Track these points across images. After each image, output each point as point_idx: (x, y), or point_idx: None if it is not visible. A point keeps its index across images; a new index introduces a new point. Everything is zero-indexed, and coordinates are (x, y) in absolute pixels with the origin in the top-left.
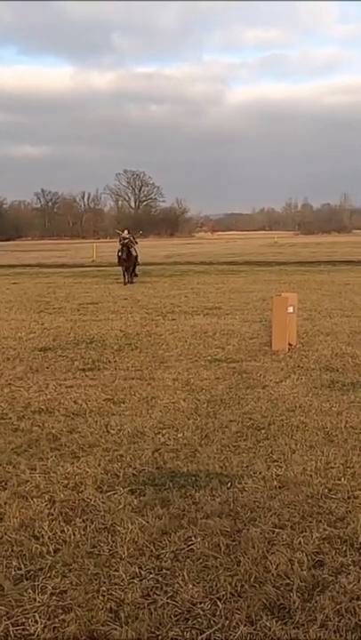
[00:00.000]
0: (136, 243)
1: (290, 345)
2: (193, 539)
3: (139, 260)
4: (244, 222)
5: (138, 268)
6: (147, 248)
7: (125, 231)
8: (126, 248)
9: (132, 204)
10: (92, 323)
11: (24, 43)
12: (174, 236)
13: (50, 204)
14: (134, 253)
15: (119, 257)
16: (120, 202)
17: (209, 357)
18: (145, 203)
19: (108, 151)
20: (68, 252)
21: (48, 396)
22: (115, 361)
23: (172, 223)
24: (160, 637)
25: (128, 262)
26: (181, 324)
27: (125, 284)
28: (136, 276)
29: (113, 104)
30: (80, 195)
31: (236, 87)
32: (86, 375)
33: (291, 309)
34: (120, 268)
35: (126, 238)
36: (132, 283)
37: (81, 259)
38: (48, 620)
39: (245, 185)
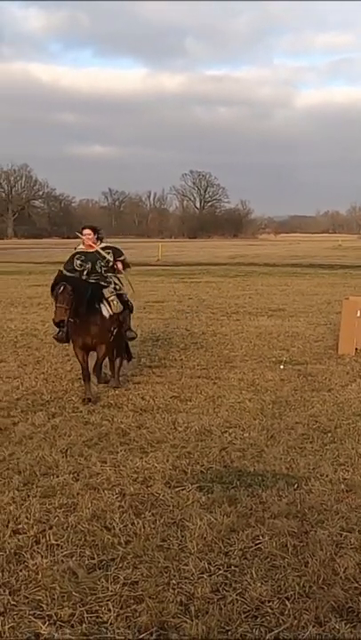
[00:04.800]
0: (124, 265)
1: (356, 349)
2: (261, 537)
3: (131, 320)
4: (308, 225)
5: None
6: (210, 248)
7: (89, 232)
8: (71, 294)
9: (197, 205)
10: (158, 321)
11: (100, 46)
12: (237, 237)
13: (117, 203)
14: (114, 309)
15: (57, 316)
16: (185, 202)
17: (274, 359)
18: (210, 203)
19: (174, 152)
20: (134, 250)
21: (116, 392)
22: (181, 359)
23: (235, 224)
24: (230, 633)
25: (85, 333)
26: (246, 324)
27: (86, 398)
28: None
29: (181, 106)
30: (146, 194)
31: (305, 90)
32: (153, 372)
33: (359, 313)
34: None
35: (86, 257)
36: (88, 400)
37: (146, 257)
38: (121, 609)
39: (310, 187)
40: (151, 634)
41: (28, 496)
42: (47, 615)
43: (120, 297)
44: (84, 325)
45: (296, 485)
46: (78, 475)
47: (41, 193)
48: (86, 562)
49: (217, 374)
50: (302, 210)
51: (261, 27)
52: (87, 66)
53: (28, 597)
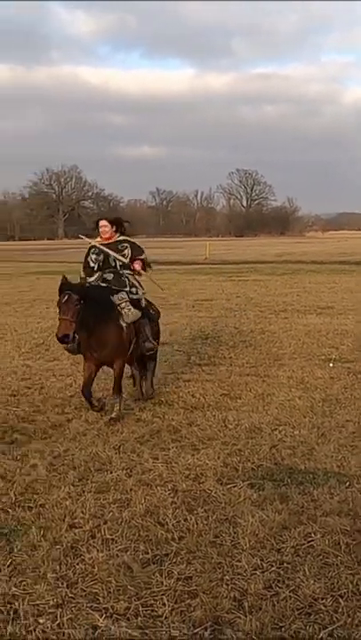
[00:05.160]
0: (144, 266)
1: None
2: (313, 535)
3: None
4: (356, 222)
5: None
6: (257, 246)
7: (105, 225)
8: (77, 304)
9: (244, 203)
10: (206, 319)
11: (147, 47)
12: (284, 234)
13: (164, 202)
14: (125, 319)
15: (61, 330)
16: (232, 200)
17: (323, 356)
18: (256, 201)
19: (220, 151)
20: (181, 249)
21: (167, 389)
22: (230, 357)
23: (282, 222)
24: (283, 629)
25: (98, 348)
26: (294, 322)
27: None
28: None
29: (228, 105)
30: (193, 193)
31: (353, 87)
32: (203, 370)
33: None
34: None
35: (101, 250)
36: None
37: (193, 256)
38: (175, 603)
39: (358, 184)
40: (205, 629)
41: (83, 491)
42: (103, 608)
43: (136, 302)
44: (95, 340)
45: (348, 483)
46: (131, 471)
47: (90, 194)
48: (141, 556)
49: (266, 372)
50: (351, 207)
51: (308, 25)
52: (135, 67)
53: (84, 590)
